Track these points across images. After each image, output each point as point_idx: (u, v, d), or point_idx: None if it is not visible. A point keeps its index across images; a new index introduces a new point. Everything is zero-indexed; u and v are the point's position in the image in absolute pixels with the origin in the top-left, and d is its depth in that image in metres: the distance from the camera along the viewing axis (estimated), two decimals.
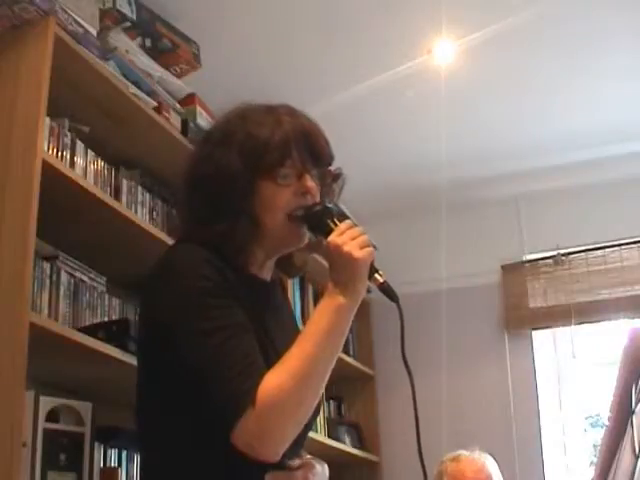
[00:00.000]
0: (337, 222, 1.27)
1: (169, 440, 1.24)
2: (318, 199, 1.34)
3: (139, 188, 2.42)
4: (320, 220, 1.29)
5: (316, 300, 3.42)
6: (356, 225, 1.27)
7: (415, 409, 1.26)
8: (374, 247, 1.26)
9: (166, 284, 1.23)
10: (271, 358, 1.19)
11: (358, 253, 1.22)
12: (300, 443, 1.38)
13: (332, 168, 1.39)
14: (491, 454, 2.61)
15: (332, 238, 1.24)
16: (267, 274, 1.39)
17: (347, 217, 1.30)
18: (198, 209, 1.33)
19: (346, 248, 1.22)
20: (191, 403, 1.18)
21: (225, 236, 1.28)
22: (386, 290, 1.27)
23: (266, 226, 1.30)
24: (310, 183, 1.32)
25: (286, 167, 1.31)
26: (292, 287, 3.11)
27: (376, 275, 1.26)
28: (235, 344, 1.16)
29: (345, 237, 1.23)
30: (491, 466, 2.55)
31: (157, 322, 1.23)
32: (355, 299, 1.24)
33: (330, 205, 1.33)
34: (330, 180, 1.39)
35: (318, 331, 1.20)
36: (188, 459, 1.22)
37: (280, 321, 1.37)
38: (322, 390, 1.21)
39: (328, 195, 1.38)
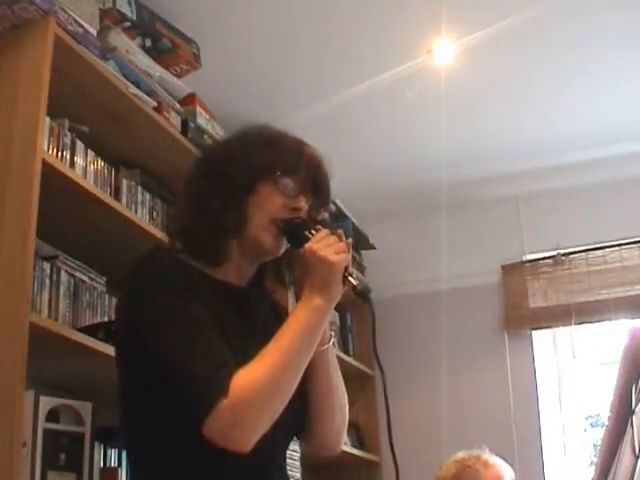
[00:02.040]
0: (314, 232, 1.35)
1: (149, 440, 1.27)
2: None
3: (139, 188, 2.42)
4: (298, 231, 1.37)
5: None
6: (339, 235, 1.34)
7: (386, 402, 1.38)
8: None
9: (134, 287, 1.30)
10: (239, 358, 1.21)
11: (333, 257, 1.29)
12: (285, 444, 1.42)
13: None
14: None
15: (309, 244, 1.32)
16: (242, 281, 1.42)
17: (331, 228, 1.37)
18: (197, 191, 1.39)
19: (322, 253, 1.29)
20: (165, 402, 1.21)
21: (214, 215, 1.34)
22: (359, 293, 1.34)
23: (250, 223, 1.37)
24: (303, 202, 1.40)
25: (291, 179, 1.39)
26: (289, 293, 3.10)
27: (350, 278, 1.33)
28: (202, 339, 1.21)
29: (321, 244, 1.31)
30: None
31: (127, 327, 1.29)
32: (330, 301, 1.30)
33: (308, 220, 1.40)
34: (318, 218, 1.45)
35: (294, 329, 1.26)
36: (168, 457, 1.25)
37: (252, 328, 1.37)
38: (295, 384, 1.24)
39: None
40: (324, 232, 1.34)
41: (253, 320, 1.40)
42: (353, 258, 3.35)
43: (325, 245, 1.30)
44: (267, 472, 1.32)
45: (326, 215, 1.48)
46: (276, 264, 1.47)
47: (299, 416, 1.40)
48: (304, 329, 1.26)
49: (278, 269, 1.47)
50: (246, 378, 1.17)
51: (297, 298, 1.36)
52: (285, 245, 1.40)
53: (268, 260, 1.44)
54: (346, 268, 1.31)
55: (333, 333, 1.42)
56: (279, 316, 1.50)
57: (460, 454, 2.47)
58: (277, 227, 1.37)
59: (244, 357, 1.21)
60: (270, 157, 1.39)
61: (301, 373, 1.25)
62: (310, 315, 1.27)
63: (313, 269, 1.30)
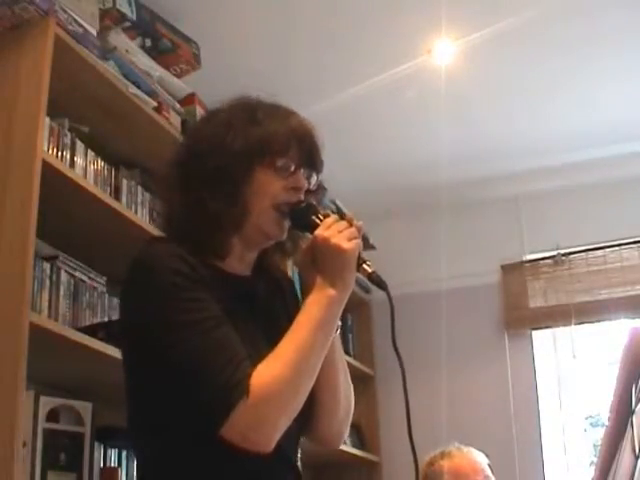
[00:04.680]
0: (322, 218, 1.30)
1: (159, 440, 1.24)
2: (302, 198, 1.35)
3: (139, 188, 2.42)
4: (305, 216, 1.31)
5: None
6: (349, 219, 1.29)
7: (406, 396, 1.29)
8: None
9: (138, 283, 1.24)
10: (249, 352, 1.18)
11: (346, 244, 1.24)
12: (297, 440, 1.38)
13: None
14: (490, 454, 2.58)
15: (319, 232, 1.27)
16: (246, 269, 1.37)
17: (333, 214, 1.32)
18: (191, 189, 1.31)
19: (334, 240, 1.24)
20: (177, 401, 1.18)
21: (215, 216, 1.28)
22: (375, 280, 1.29)
23: (252, 213, 1.30)
24: (303, 180, 1.34)
25: (285, 159, 1.33)
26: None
27: (364, 265, 1.28)
28: (216, 336, 1.16)
29: (332, 230, 1.25)
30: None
31: (134, 322, 1.24)
32: (345, 290, 1.25)
33: (314, 202, 1.35)
34: (314, 186, 1.40)
35: (310, 323, 1.21)
36: (180, 457, 1.21)
37: (260, 316, 1.33)
38: (314, 380, 1.21)
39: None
40: (333, 217, 1.29)
41: (261, 310, 1.36)
42: None
43: (336, 231, 1.25)
44: (280, 470, 1.28)
45: (317, 181, 1.41)
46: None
47: (308, 410, 1.34)
48: (320, 323, 1.22)
49: (279, 241, 1.40)
50: (266, 377, 1.14)
51: (302, 285, 1.31)
52: (287, 227, 1.34)
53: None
54: (359, 255, 1.26)
55: (340, 322, 1.34)
56: (285, 292, 1.46)
57: (430, 454, 2.45)
58: (280, 212, 1.31)
59: (254, 350, 1.19)
60: (261, 140, 1.31)
61: (319, 368, 1.22)
62: (325, 307, 1.23)
63: (325, 257, 1.24)
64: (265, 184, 1.31)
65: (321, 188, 1.43)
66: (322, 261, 1.26)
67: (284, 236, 1.35)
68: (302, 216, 1.32)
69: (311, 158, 1.37)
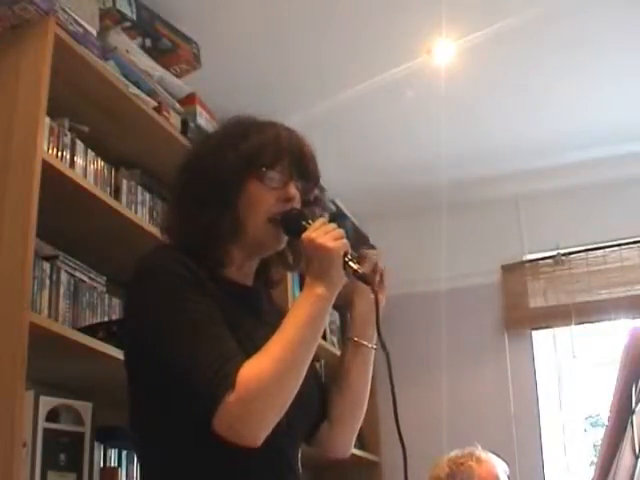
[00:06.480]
0: (311, 222, 1.34)
1: (161, 438, 1.26)
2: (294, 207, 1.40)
3: (139, 188, 2.42)
4: (296, 222, 1.35)
5: None
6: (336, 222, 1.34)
7: (392, 385, 1.32)
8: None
9: (142, 286, 1.28)
10: (251, 356, 1.20)
11: (331, 244, 1.27)
12: (298, 444, 1.40)
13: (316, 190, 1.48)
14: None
15: (306, 234, 1.30)
16: (248, 278, 1.42)
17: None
18: (187, 203, 1.38)
19: (319, 240, 1.28)
20: (173, 399, 1.21)
21: (209, 228, 1.33)
22: (361, 277, 1.33)
23: (247, 226, 1.35)
24: (293, 191, 1.38)
25: (275, 171, 1.37)
26: (292, 285, 3.11)
27: (350, 263, 1.31)
28: (209, 333, 1.20)
29: (319, 231, 1.29)
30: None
31: (135, 322, 1.28)
32: (332, 288, 1.28)
33: (305, 210, 1.40)
34: (312, 198, 1.45)
35: (297, 320, 1.25)
36: (181, 457, 1.23)
37: (264, 324, 1.36)
38: (302, 376, 1.23)
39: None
40: (321, 220, 1.34)
41: (261, 318, 1.39)
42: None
43: (323, 232, 1.29)
44: (281, 472, 1.31)
45: (317, 192, 1.47)
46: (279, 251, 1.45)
47: (314, 416, 1.40)
48: (307, 319, 1.25)
49: (281, 254, 1.46)
50: (252, 371, 1.16)
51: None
52: (285, 238, 1.39)
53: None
54: (345, 254, 1.30)
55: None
56: (282, 311, 1.49)
57: (453, 452, 2.46)
58: (274, 224, 1.36)
59: (256, 351, 1.20)
60: (250, 153, 1.36)
61: (307, 364, 1.24)
62: (312, 305, 1.26)
63: (312, 258, 1.29)
64: (257, 196, 1.36)
65: (320, 200, 1.46)
66: (310, 261, 1.30)
67: (281, 246, 1.40)
68: (292, 222, 1.36)
69: (303, 169, 1.41)
